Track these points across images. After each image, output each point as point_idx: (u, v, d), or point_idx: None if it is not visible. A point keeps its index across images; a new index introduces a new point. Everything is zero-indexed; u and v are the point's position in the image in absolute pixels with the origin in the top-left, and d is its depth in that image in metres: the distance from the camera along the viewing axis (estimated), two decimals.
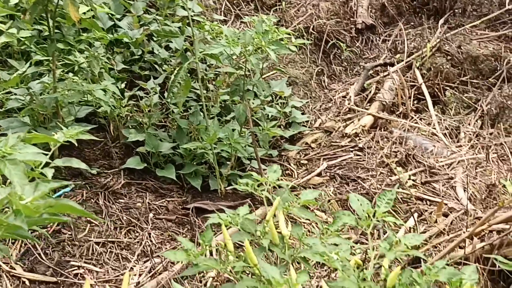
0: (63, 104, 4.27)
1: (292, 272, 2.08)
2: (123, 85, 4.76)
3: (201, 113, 4.58)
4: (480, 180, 4.55)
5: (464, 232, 3.46)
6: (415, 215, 4.29)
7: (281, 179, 4.38)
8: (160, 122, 4.79)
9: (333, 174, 4.86)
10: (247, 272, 2.30)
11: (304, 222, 4.16)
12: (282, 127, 5.18)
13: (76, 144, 2.88)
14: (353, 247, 3.55)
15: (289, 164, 5.04)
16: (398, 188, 4.56)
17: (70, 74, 4.42)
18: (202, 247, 2.18)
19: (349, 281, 1.97)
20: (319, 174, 4.87)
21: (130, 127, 4.63)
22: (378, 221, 2.20)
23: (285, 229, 2.29)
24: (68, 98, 4.17)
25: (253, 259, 2.09)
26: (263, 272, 1.95)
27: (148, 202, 4.42)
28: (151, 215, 4.32)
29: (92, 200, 4.24)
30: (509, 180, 4.41)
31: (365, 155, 5.02)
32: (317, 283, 3.58)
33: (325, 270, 3.80)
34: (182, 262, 4.11)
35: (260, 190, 2.44)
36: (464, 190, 4.36)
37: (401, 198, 4.53)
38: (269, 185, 2.44)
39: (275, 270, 1.95)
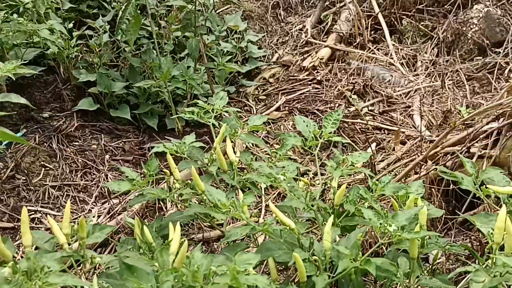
0: (8, 46, 4.13)
1: (240, 195, 2.08)
2: (71, 25, 4.61)
3: (154, 51, 4.48)
4: (436, 107, 4.58)
5: (418, 156, 3.50)
6: (373, 144, 4.32)
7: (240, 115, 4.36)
8: (111, 62, 4.67)
9: (291, 108, 4.84)
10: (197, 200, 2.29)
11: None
12: (238, 62, 5.11)
13: (14, 78, 2.80)
14: (302, 171, 3.56)
15: (248, 100, 5.01)
16: (356, 119, 4.58)
17: (15, 16, 4.26)
18: (147, 176, 2.15)
19: (297, 201, 1.97)
20: (277, 109, 4.85)
21: (81, 67, 4.51)
22: (325, 141, 2.20)
23: (233, 155, 2.27)
24: (13, 40, 4.04)
25: (200, 185, 2.07)
26: (209, 197, 1.93)
27: (104, 144, 4.36)
28: (107, 156, 4.27)
29: (45, 144, 4.17)
30: (464, 105, 4.45)
31: (323, 88, 5.00)
32: None
33: None
34: (142, 202, 4.12)
35: (206, 118, 2.40)
36: (421, 118, 4.40)
37: (359, 128, 4.55)
38: (216, 112, 2.41)
39: (221, 194, 1.94)
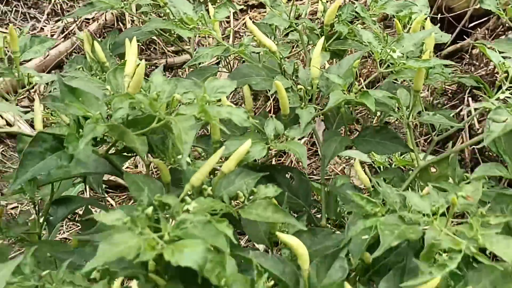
0: None
1: (210, 9, 1.64)
2: None
3: None
4: None
5: None
6: None
7: None
8: None
9: None
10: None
11: None
12: None
13: None
14: None
15: None
16: None
17: None
18: None
19: (279, 18, 1.55)
20: None
21: None
22: None
23: None
24: None
25: None
26: (172, 9, 1.48)
27: None
28: None
29: None
30: None
31: None
32: None
33: None
34: (98, 22, 3.63)
35: None
36: None
37: None
38: None
39: (188, 5, 1.49)
